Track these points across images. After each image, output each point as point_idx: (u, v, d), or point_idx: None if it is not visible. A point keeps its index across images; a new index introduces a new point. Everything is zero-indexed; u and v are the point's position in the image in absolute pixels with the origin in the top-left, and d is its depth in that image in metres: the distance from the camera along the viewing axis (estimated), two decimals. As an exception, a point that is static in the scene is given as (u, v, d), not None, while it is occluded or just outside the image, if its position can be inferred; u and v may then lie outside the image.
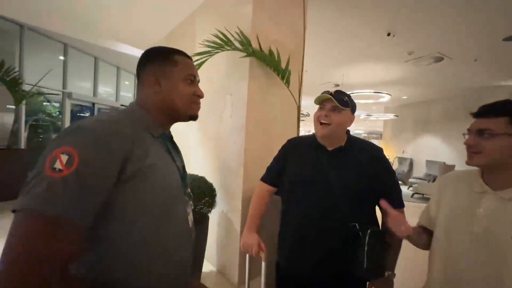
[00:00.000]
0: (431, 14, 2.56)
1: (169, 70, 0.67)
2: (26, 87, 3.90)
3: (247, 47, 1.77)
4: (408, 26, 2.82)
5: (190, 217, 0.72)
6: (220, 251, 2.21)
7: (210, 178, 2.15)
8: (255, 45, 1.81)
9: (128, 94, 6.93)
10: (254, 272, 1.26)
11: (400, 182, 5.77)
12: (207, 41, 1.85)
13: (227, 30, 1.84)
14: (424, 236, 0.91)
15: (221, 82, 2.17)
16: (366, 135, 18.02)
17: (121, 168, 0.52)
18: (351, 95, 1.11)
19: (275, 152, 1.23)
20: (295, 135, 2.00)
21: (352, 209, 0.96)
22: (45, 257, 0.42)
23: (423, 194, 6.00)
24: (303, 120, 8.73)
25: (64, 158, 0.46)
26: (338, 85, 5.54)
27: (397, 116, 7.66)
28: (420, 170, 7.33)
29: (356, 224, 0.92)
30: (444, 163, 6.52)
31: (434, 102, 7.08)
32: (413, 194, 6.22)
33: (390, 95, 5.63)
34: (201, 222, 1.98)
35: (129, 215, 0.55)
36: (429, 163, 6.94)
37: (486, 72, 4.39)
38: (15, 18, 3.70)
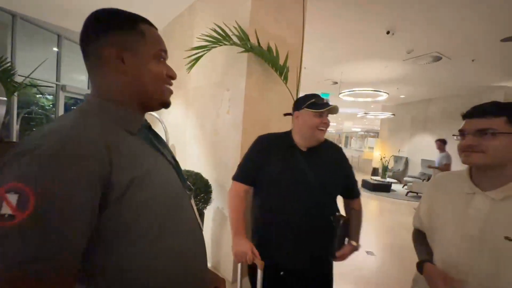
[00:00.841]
0: (430, 13, 2.54)
1: (135, 42, 0.51)
2: (19, 79, 3.82)
3: (245, 42, 1.74)
4: (407, 24, 2.80)
5: (195, 210, 0.66)
6: (214, 247, 2.20)
7: (206, 174, 2.13)
8: (253, 40, 1.78)
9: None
10: (247, 270, 1.25)
11: (395, 180, 5.83)
12: (205, 35, 1.81)
13: (225, 24, 1.80)
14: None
15: (218, 77, 2.14)
16: (363, 133, 18.10)
17: (102, 188, 0.42)
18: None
19: (271, 150, 1.21)
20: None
21: (327, 203, 1.11)
22: None
23: (417, 193, 6.08)
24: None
25: (13, 198, 0.34)
26: (336, 83, 5.52)
27: (394, 115, 7.69)
28: (415, 169, 7.40)
29: (334, 216, 1.08)
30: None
31: (431, 101, 7.11)
32: (407, 193, 6.29)
33: (388, 93, 5.64)
34: (196, 218, 1.97)
35: (133, 234, 0.46)
36: (424, 162, 7.00)
37: (483, 73, 4.41)
38: (7, 7, 3.60)
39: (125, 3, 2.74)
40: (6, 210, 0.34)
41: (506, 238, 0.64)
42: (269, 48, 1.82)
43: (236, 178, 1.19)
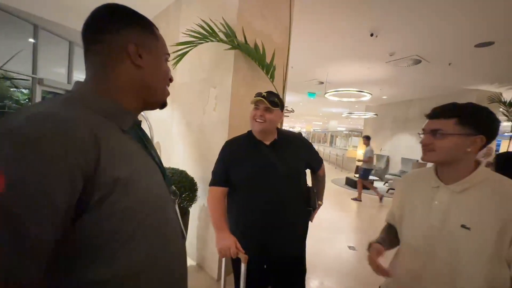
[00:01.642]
0: (411, 18, 2.65)
1: (152, 42, 0.54)
2: (-10, 70, 3.57)
3: (232, 39, 1.73)
4: (390, 28, 2.91)
5: (179, 218, 0.65)
6: (200, 245, 2.20)
7: (191, 172, 2.11)
8: (240, 37, 1.78)
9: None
10: (232, 267, 1.27)
11: (377, 178, 5.99)
12: (191, 30, 1.79)
13: (211, 20, 1.78)
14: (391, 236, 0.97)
15: (204, 74, 2.12)
16: (347, 132, 18.56)
17: (84, 187, 0.38)
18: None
19: (257, 147, 1.23)
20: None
21: (297, 185, 1.25)
22: None
23: (397, 190, 6.32)
24: (287, 116, 8.82)
25: None
26: (322, 83, 5.62)
27: (376, 115, 7.96)
28: (396, 167, 7.70)
29: (307, 188, 1.31)
30: (417, 160, 6.90)
31: (411, 102, 7.42)
32: (388, 190, 6.54)
33: (371, 94, 5.82)
34: (182, 217, 1.95)
35: (115, 243, 0.43)
36: (404, 160, 7.31)
37: (458, 76, 4.66)
38: (-23, -7, 3.35)
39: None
40: None
41: (462, 226, 0.71)
42: (256, 46, 1.82)
43: (211, 183, 1.25)
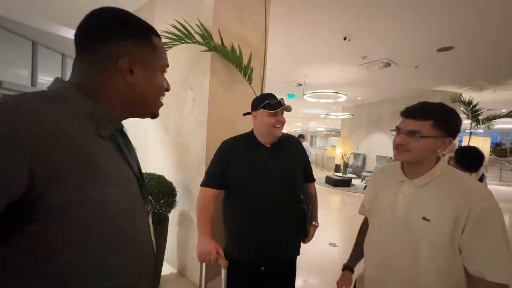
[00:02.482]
0: (380, 24, 2.81)
1: (148, 54, 0.51)
2: None
3: (208, 41, 1.72)
4: (361, 32, 3.05)
5: (151, 229, 0.61)
6: (180, 251, 2.13)
7: (169, 176, 2.05)
8: (216, 39, 1.77)
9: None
10: (214, 272, 1.25)
11: (354, 175, 6.25)
12: (166, 31, 1.74)
13: (186, 22, 1.76)
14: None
15: (181, 76, 2.08)
16: (326, 132, 19.15)
17: (48, 187, 0.36)
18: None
19: (235, 149, 1.22)
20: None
21: (294, 192, 1.22)
22: None
23: (374, 187, 6.63)
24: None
25: None
26: (300, 85, 5.75)
27: (353, 115, 8.31)
28: (371, 165, 8.07)
29: (304, 206, 1.23)
30: (391, 157, 7.28)
31: (383, 103, 7.83)
32: (365, 187, 6.83)
33: (347, 95, 6.05)
34: (160, 223, 1.88)
35: (77, 257, 0.40)
36: (379, 158, 7.68)
37: (424, 78, 5.01)
38: None
39: (75, -8, 2.49)
40: None
41: (423, 218, 0.76)
42: (232, 48, 1.82)
43: (203, 184, 1.21)
